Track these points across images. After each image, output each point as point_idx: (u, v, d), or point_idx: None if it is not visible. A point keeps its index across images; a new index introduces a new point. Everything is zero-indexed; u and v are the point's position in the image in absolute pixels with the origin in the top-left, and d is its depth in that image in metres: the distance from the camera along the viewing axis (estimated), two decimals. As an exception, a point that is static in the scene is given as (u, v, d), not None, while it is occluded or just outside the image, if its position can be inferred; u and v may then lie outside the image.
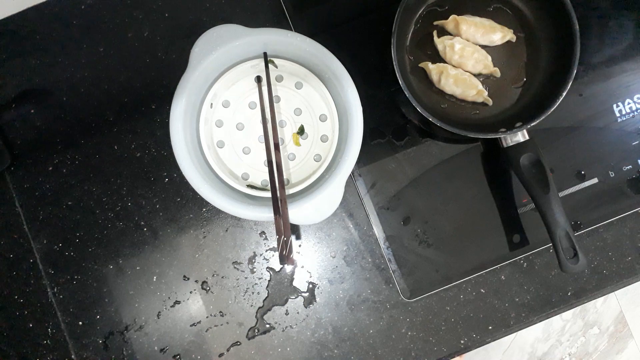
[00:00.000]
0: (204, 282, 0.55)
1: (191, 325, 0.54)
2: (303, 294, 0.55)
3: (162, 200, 0.55)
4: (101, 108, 0.55)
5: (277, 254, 0.55)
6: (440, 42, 0.53)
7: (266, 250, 0.55)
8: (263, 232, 0.55)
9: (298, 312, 0.55)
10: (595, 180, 0.55)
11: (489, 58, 0.53)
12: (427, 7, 0.55)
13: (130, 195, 0.55)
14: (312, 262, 0.55)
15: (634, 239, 0.56)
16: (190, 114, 0.49)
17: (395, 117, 0.56)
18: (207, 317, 0.54)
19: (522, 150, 0.50)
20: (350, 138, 0.47)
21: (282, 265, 0.55)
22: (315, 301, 0.55)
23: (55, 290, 0.54)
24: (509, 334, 0.55)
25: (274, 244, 0.55)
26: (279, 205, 0.46)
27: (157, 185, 0.55)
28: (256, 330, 0.54)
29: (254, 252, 0.55)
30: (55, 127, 0.55)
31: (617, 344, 1.31)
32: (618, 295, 1.30)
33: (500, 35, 0.53)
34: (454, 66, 0.53)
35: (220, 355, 0.54)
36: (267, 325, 0.54)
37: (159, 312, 0.54)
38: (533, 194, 0.49)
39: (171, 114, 0.47)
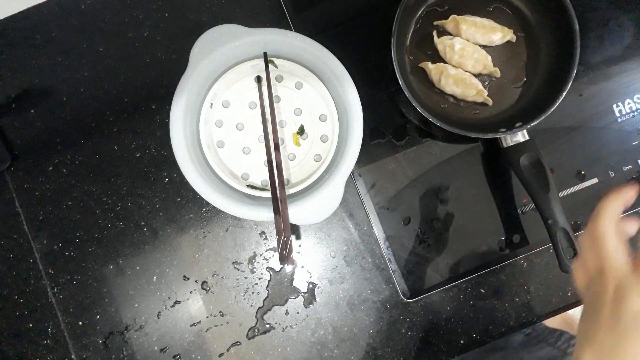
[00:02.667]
0: (204, 282, 0.55)
1: (191, 325, 0.54)
2: (303, 294, 0.55)
3: (162, 200, 0.55)
4: (101, 108, 0.55)
5: (277, 254, 0.55)
6: (440, 42, 0.53)
7: (266, 250, 0.55)
8: (263, 232, 0.55)
9: (298, 312, 0.55)
10: (595, 180, 0.55)
11: (489, 58, 0.53)
12: (427, 7, 0.55)
13: (130, 195, 0.55)
14: (312, 262, 0.55)
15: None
16: (190, 114, 0.49)
17: (395, 117, 0.56)
18: (207, 317, 0.54)
19: (522, 150, 0.50)
20: (350, 138, 0.47)
21: (282, 265, 0.55)
22: (315, 301, 0.55)
23: (55, 290, 0.54)
24: (509, 334, 0.55)
25: (274, 244, 0.55)
26: (279, 205, 0.46)
27: (157, 185, 0.55)
28: (256, 330, 0.54)
29: (254, 252, 0.55)
30: (55, 127, 0.55)
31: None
32: (618, 295, 1.30)
33: (500, 35, 0.53)
34: (454, 66, 0.53)
35: (220, 355, 0.54)
36: (267, 325, 0.54)
37: (159, 312, 0.54)
38: (533, 194, 0.49)
39: (171, 114, 0.47)
